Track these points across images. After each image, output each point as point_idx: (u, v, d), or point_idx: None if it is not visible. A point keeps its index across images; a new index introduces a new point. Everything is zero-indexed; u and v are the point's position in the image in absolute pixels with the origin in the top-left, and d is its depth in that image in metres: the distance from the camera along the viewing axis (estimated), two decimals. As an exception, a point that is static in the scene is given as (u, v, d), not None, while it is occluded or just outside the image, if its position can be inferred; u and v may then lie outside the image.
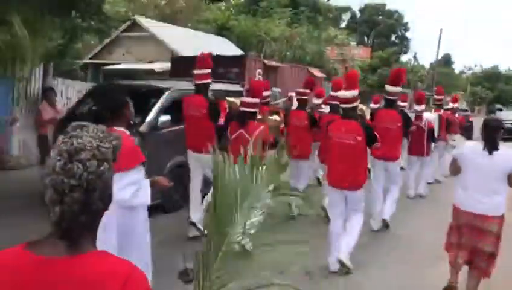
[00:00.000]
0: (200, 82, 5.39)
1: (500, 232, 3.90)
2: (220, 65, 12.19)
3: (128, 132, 3.16)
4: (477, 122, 10.96)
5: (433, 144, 8.57)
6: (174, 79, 8.71)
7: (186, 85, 7.23)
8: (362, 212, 4.88)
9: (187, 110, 5.48)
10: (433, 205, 7.78)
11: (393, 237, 6.05)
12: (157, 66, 15.10)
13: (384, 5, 55.71)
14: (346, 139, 4.61)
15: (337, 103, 6.11)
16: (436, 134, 8.50)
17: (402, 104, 8.09)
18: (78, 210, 1.10)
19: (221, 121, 5.72)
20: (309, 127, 6.43)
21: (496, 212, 3.86)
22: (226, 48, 19.05)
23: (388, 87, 6.03)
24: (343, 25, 53.00)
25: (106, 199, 1.18)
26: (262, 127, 5.01)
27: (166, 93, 6.20)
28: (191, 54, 12.94)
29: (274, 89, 9.20)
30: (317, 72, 16.06)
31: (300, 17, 25.08)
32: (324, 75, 16.83)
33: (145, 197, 3.14)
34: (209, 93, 5.58)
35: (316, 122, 6.50)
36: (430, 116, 8.68)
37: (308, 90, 6.76)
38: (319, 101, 7.75)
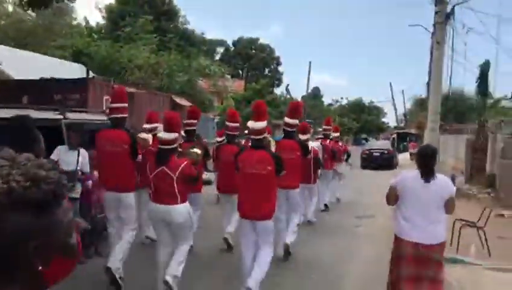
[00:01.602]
0: (116, 116, 5.18)
1: (442, 259, 4.03)
2: (58, 91, 9.96)
3: None
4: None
5: (319, 172, 8.89)
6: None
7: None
8: (272, 243, 4.93)
9: (102, 145, 5.18)
10: (324, 230, 8.40)
11: (294, 262, 6.37)
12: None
13: (258, 39, 56.95)
14: (257, 170, 4.68)
15: (234, 133, 6.70)
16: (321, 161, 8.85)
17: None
18: None
19: (139, 157, 5.39)
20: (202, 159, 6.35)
21: (439, 239, 3.93)
22: (80, 75, 16.65)
23: (287, 119, 6.41)
24: (217, 57, 52.97)
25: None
26: (185, 162, 4.77)
27: None
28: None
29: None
30: (183, 101, 14.35)
31: (169, 45, 23.45)
32: (191, 104, 15.17)
33: None
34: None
35: (208, 153, 6.74)
36: (315, 145, 8.93)
37: (195, 121, 6.81)
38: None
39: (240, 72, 55.62)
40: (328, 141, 10.20)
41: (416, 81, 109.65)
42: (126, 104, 5.27)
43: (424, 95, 31.60)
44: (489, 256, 6.32)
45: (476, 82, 35.91)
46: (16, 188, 0.86)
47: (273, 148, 5.71)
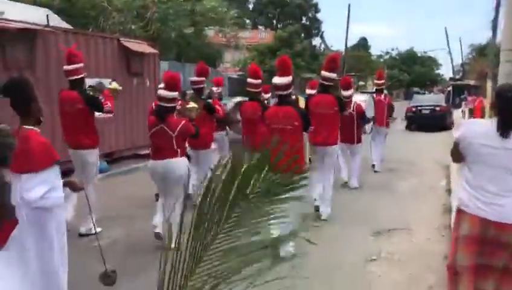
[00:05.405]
0: (72, 78, 5.35)
1: None
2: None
3: (38, 130, 3.11)
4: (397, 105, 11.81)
5: (367, 128, 8.32)
6: None
7: None
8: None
9: (62, 106, 5.44)
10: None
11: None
12: None
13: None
14: (284, 125, 4.75)
15: (256, 90, 6.37)
16: (369, 116, 8.17)
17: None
18: None
19: (108, 105, 5.68)
20: (207, 115, 6.34)
21: None
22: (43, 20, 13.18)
23: (324, 73, 6.17)
24: (250, 7, 48.33)
25: None
26: (183, 122, 4.93)
27: None
28: None
29: None
30: (138, 46, 10.20)
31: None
32: (156, 51, 11.12)
33: (57, 199, 3.13)
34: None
35: (214, 111, 6.56)
36: (359, 99, 8.47)
37: (203, 78, 6.58)
38: (219, 89, 8.00)
39: (275, 22, 50.57)
40: (382, 95, 9.58)
41: (475, 27, 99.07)
42: (81, 65, 5.35)
43: (486, 41, 25.85)
44: None
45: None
46: None
47: (302, 105, 5.49)
